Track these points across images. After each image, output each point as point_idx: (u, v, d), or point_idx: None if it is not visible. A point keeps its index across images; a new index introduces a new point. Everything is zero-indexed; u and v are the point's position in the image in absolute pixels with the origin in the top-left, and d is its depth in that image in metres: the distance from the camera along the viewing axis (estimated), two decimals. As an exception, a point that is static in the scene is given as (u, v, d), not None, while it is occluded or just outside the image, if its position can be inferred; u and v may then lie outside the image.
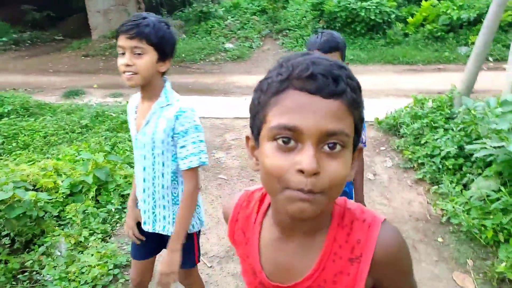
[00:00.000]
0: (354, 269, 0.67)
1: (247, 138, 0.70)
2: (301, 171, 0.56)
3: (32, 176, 2.94)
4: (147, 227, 1.57)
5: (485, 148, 2.72)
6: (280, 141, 0.58)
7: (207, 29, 10.67)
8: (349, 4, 9.33)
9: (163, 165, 1.47)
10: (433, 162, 3.39)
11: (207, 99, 5.87)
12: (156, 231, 1.56)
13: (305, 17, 10.35)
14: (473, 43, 8.88)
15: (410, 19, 9.70)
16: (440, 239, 2.72)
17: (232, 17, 11.05)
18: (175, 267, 1.44)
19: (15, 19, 14.31)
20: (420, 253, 2.60)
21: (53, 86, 7.19)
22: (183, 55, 9.41)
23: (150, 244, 1.64)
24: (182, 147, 1.42)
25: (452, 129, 3.51)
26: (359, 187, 1.80)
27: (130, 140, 4.14)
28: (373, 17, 9.28)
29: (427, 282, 2.34)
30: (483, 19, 6.27)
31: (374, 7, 9.31)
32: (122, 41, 1.34)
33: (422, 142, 3.65)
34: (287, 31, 10.05)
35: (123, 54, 1.36)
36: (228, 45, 9.86)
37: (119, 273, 2.31)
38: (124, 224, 1.68)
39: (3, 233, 2.56)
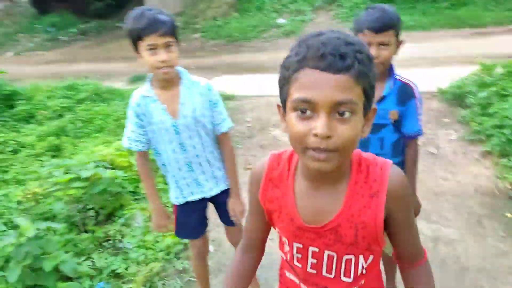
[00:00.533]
0: (374, 203, 0.82)
1: (278, 106, 0.83)
2: (316, 135, 0.70)
3: (109, 156, 3.26)
4: (196, 197, 1.73)
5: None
6: (299, 112, 0.72)
7: (259, 5, 10.61)
8: (408, -36, 8.73)
9: (207, 135, 1.66)
10: (503, 133, 3.18)
11: (262, 77, 5.94)
12: (207, 195, 1.74)
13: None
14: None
15: (478, -24, 8.86)
16: (508, 214, 2.61)
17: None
18: (243, 205, 1.76)
19: (80, 10, 15.28)
20: (486, 229, 2.52)
21: (119, 72, 7.68)
22: (236, 34, 9.51)
23: (197, 218, 1.82)
24: (219, 113, 1.66)
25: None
26: (410, 176, 1.60)
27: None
28: (435, -23, 8.60)
29: (493, 258, 2.27)
30: None
31: (437, -34, 8.62)
32: (154, 39, 1.43)
33: (491, 112, 3.44)
34: (341, 0, 9.68)
35: (153, 50, 1.44)
36: (280, 21, 9.76)
37: (189, 242, 2.54)
38: (153, 223, 1.80)
39: (88, 207, 2.90)
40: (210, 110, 1.64)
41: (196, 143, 1.64)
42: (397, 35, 1.47)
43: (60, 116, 4.81)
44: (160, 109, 1.57)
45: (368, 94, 0.74)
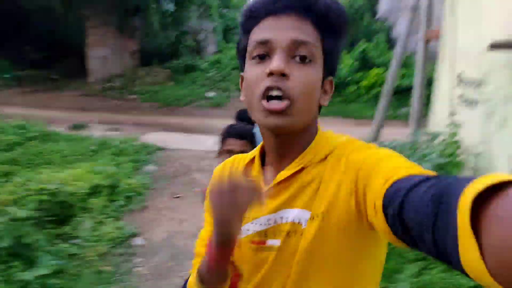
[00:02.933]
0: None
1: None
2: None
3: (64, 179, 4.24)
4: None
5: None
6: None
7: (192, 79, 12.39)
8: (312, 67, 11.27)
9: None
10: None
11: (190, 137, 7.33)
12: None
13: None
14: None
15: (362, 83, 11.70)
16: None
17: (214, 70, 12.85)
18: None
19: (16, 58, 15.68)
20: None
21: (58, 120, 8.49)
22: (170, 99, 10.98)
23: None
24: None
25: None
26: None
27: (131, 161, 5.48)
28: (331, 79, 11.21)
29: None
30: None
31: (332, 71, 11.27)
32: None
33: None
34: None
35: None
36: (209, 94, 11.54)
37: (128, 237, 3.59)
38: None
39: (48, 213, 3.81)
40: None
41: None
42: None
43: (11, 149, 5.58)
44: None
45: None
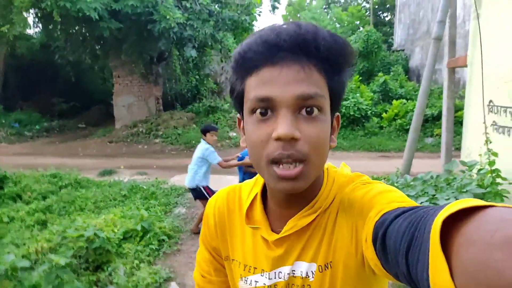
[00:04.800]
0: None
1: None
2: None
3: (99, 225, 4.29)
4: None
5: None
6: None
7: (214, 120, 12.64)
8: (332, 102, 11.36)
9: None
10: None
11: (215, 177, 7.37)
12: None
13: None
14: (437, 135, 10.70)
15: (384, 115, 11.66)
16: None
17: (235, 111, 13.10)
18: None
19: (46, 109, 16.53)
20: None
21: (87, 167, 8.74)
22: (193, 141, 11.17)
23: None
24: None
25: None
26: None
27: (161, 204, 5.52)
28: (352, 113, 11.22)
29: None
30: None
31: (353, 105, 11.32)
32: None
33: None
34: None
35: None
36: (232, 134, 11.69)
37: (163, 282, 3.54)
38: None
39: (83, 259, 3.83)
40: None
41: None
42: None
43: (44, 198, 5.73)
44: None
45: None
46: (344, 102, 11.33)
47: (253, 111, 0.62)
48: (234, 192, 0.82)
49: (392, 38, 21.18)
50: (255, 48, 0.60)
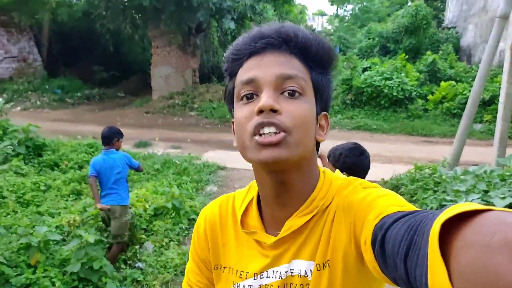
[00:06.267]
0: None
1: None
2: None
3: (131, 200, 4.26)
4: None
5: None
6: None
7: (250, 95, 12.40)
8: (374, 81, 10.77)
9: None
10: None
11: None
12: None
13: (335, 89, 11.84)
14: (487, 121, 9.93)
15: (430, 97, 10.93)
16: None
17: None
18: None
19: (87, 77, 16.91)
20: None
21: (124, 136, 8.83)
22: (228, 116, 11.03)
23: None
24: None
25: (437, 191, 4.57)
26: None
27: (193, 181, 5.45)
28: (395, 94, 10.61)
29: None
30: (497, 100, 7.39)
31: (397, 85, 10.67)
32: None
33: (414, 199, 4.71)
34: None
35: None
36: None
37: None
38: None
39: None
40: None
41: None
42: None
43: (80, 167, 5.82)
44: None
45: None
46: (387, 82, 10.71)
47: (240, 98, 0.66)
48: (227, 201, 0.82)
49: (443, 14, 19.66)
50: (240, 45, 0.67)
